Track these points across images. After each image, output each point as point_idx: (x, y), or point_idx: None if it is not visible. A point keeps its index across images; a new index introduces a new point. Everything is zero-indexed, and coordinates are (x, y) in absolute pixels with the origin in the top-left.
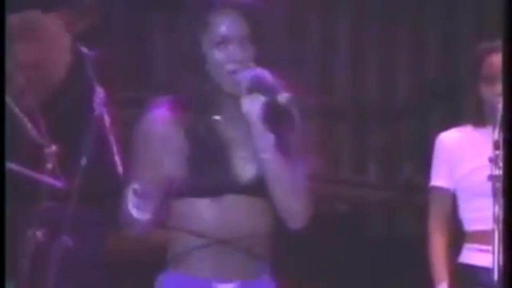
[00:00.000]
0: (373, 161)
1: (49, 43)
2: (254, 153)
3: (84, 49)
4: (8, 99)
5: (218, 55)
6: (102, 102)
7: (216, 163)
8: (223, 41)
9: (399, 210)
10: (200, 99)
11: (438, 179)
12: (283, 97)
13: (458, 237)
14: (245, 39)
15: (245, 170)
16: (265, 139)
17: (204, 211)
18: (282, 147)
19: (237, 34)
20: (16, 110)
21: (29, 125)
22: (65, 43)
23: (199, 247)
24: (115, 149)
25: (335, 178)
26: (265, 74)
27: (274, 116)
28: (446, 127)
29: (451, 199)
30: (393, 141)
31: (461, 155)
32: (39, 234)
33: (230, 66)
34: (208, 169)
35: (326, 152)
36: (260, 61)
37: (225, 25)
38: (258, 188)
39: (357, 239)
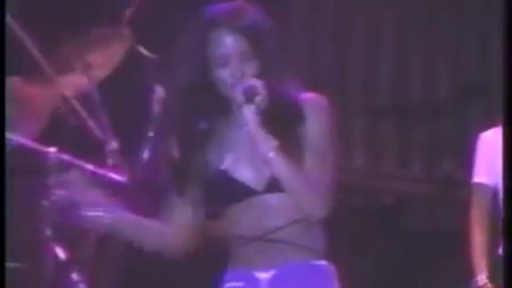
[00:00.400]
0: (415, 156)
1: (110, 48)
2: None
3: (144, 51)
4: (70, 97)
5: (220, 72)
6: (161, 101)
7: (236, 172)
8: (224, 60)
9: (439, 203)
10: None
11: (480, 176)
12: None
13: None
14: (245, 56)
15: (261, 173)
16: (265, 143)
17: (237, 213)
18: (287, 146)
19: (236, 51)
20: (79, 108)
21: (91, 123)
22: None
23: (240, 244)
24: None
25: (380, 172)
26: (256, 83)
27: (271, 119)
28: (484, 124)
29: (492, 195)
30: (434, 138)
31: (500, 153)
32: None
33: (229, 81)
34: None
35: (372, 148)
36: (265, 74)
37: (224, 44)
38: (275, 186)
39: (399, 230)
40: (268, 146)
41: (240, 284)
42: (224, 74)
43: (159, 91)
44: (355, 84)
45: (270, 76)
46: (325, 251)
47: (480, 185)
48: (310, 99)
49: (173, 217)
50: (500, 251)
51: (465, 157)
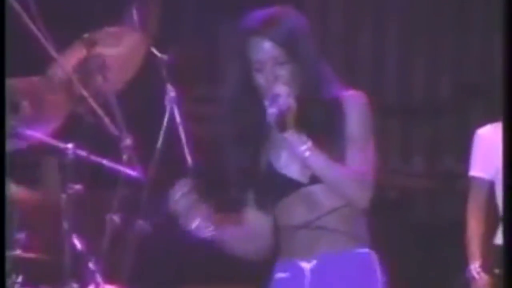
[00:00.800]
0: (418, 152)
1: (125, 46)
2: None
3: (157, 53)
4: (87, 96)
5: (258, 76)
6: (173, 100)
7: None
8: (260, 65)
9: (441, 196)
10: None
11: (476, 170)
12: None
13: (496, 221)
14: (279, 60)
15: (305, 167)
16: (299, 144)
17: (287, 206)
18: (328, 141)
19: (271, 56)
20: (95, 106)
21: (107, 120)
22: (138, 45)
23: (290, 235)
24: (184, 141)
25: (385, 167)
26: (280, 91)
27: (310, 118)
28: (483, 122)
29: (488, 188)
30: (436, 135)
31: (496, 148)
32: (116, 218)
33: (264, 85)
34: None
35: (377, 145)
36: (299, 76)
37: (260, 50)
38: (313, 178)
39: (403, 221)
40: (303, 147)
41: (287, 274)
42: (261, 78)
43: (171, 91)
44: (361, 84)
45: (305, 78)
46: (368, 239)
47: (476, 178)
48: (349, 95)
49: (252, 221)
50: (495, 241)
51: (465, 153)
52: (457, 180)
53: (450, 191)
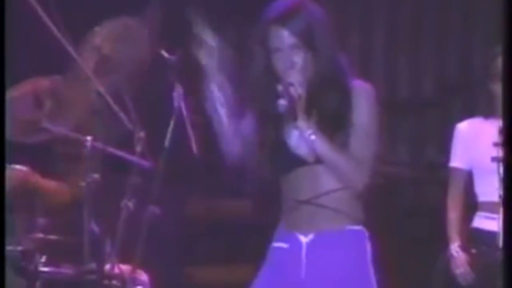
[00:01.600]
0: (403, 144)
1: (135, 44)
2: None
3: (165, 53)
4: (103, 93)
5: (276, 64)
6: (181, 97)
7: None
8: (279, 53)
9: (424, 184)
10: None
11: (456, 160)
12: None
13: (474, 207)
14: (295, 49)
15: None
16: (306, 127)
17: (292, 180)
18: (334, 126)
19: (288, 45)
20: (111, 102)
21: (122, 115)
22: (147, 44)
23: (292, 207)
24: (191, 134)
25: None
26: (293, 79)
27: (321, 104)
28: (462, 117)
29: (467, 177)
30: (420, 128)
31: (474, 141)
32: (130, 204)
33: (281, 72)
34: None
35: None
36: (314, 64)
37: (279, 38)
38: (318, 159)
39: (390, 207)
40: (309, 131)
41: (285, 244)
42: (279, 65)
43: (179, 88)
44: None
45: (319, 67)
46: (363, 219)
47: (455, 169)
48: (359, 87)
49: None
50: (472, 224)
51: (446, 144)
52: (438, 169)
53: (431, 179)
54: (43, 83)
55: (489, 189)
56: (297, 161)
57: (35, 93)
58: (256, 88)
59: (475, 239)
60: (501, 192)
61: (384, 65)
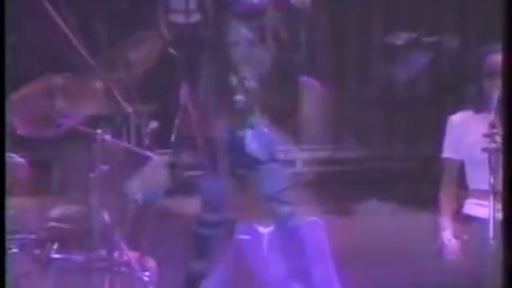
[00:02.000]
0: (399, 138)
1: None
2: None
3: (173, 52)
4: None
5: (234, 57)
6: (187, 94)
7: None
8: (235, 46)
9: (418, 176)
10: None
11: (448, 151)
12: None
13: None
14: (250, 44)
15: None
16: (261, 123)
17: (250, 177)
18: (282, 121)
19: (243, 39)
20: (120, 98)
21: (130, 110)
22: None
23: (249, 203)
24: (196, 127)
25: (371, 151)
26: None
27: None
28: (455, 112)
29: (458, 167)
30: (414, 123)
31: (465, 132)
32: (138, 197)
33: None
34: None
35: (361, 133)
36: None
37: (237, 32)
38: (275, 157)
39: (386, 197)
40: (263, 125)
41: (247, 236)
42: (235, 57)
43: (185, 86)
44: (350, 80)
45: (275, 64)
46: (317, 209)
47: (448, 159)
48: (309, 84)
49: None
50: (463, 211)
51: (439, 139)
52: (431, 162)
53: (425, 171)
54: (56, 80)
55: (479, 177)
56: (250, 160)
57: (48, 89)
58: (212, 81)
59: (466, 224)
60: (492, 181)
61: (382, 65)
